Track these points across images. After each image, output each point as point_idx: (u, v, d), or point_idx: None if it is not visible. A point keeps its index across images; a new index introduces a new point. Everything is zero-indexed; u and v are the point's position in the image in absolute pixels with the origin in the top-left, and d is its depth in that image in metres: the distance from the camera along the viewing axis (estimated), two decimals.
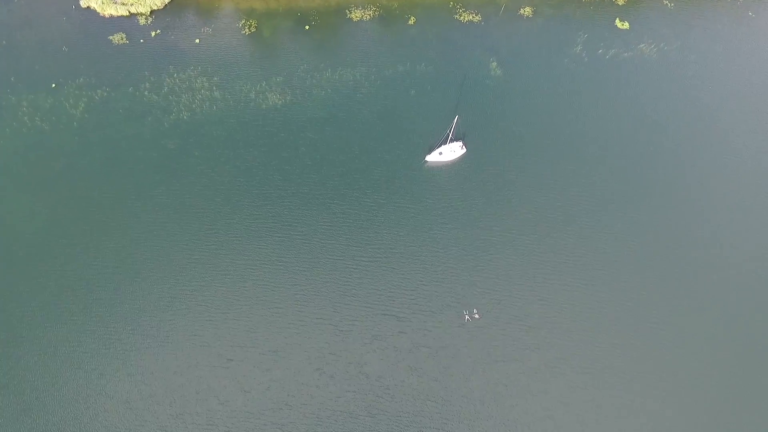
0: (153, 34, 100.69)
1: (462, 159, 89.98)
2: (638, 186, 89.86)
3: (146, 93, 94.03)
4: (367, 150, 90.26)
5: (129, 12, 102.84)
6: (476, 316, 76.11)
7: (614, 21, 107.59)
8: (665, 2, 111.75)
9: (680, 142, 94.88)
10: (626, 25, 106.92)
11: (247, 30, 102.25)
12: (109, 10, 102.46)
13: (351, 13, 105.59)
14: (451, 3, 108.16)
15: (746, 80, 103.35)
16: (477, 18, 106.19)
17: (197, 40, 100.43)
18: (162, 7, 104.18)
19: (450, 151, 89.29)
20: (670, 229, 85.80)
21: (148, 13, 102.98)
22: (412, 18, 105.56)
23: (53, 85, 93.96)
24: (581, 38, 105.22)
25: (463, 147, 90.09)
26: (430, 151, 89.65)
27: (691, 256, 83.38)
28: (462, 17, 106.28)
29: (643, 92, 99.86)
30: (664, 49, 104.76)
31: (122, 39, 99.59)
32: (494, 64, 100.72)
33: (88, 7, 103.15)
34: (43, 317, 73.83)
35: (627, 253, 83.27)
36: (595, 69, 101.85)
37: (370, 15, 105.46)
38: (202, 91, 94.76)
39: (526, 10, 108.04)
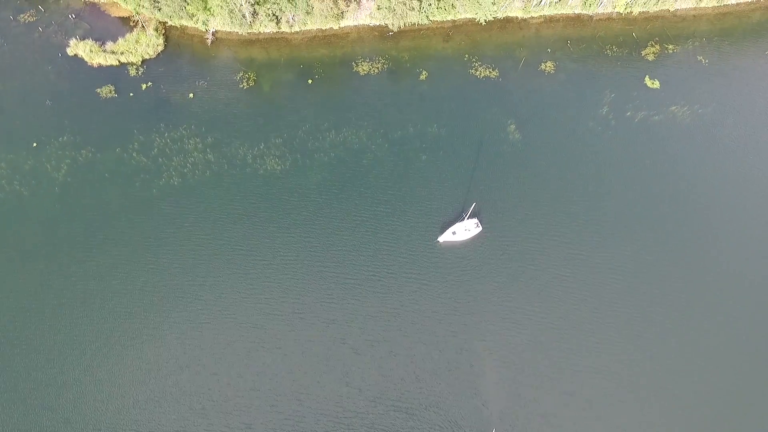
0: (143, 86, 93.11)
1: (477, 238, 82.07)
2: (664, 260, 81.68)
3: (134, 154, 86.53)
4: (374, 222, 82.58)
5: (119, 61, 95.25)
6: None
7: (643, 79, 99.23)
8: (699, 58, 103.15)
9: (718, 215, 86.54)
10: (656, 84, 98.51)
11: (245, 83, 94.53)
12: (98, 59, 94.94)
13: (358, 65, 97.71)
14: (467, 56, 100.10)
15: None
16: (494, 73, 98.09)
17: (191, 95, 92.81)
18: (154, 56, 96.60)
19: (464, 230, 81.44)
20: (704, 301, 77.61)
21: (139, 62, 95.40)
22: (424, 72, 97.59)
23: (34, 144, 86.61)
24: (607, 98, 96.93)
25: (478, 225, 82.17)
26: (442, 230, 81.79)
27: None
28: (478, 72, 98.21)
29: (675, 160, 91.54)
30: (698, 111, 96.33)
31: (110, 92, 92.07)
32: (512, 126, 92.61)
33: (76, 55, 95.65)
34: (25, 390, 66.83)
35: (660, 328, 75.17)
36: (623, 133, 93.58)
37: (378, 68, 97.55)
38: (195, 153, 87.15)
39: (548, 65, 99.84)
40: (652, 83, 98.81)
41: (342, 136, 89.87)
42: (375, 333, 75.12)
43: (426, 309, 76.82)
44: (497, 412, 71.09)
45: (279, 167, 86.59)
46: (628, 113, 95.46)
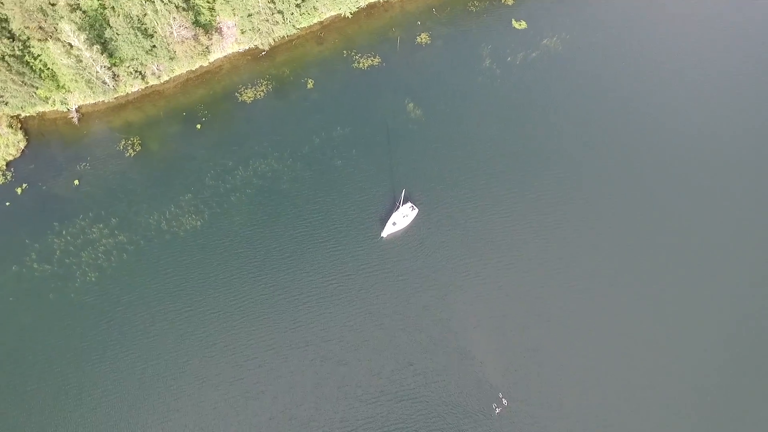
0: (19, 190, 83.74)
1: (416, 220, 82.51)
2: (595, 189, 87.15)
3: (35, 265, 77.83)
4: (316, 238, 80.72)
5: None
6: (504, 402, 70.30)
7: (510, 23, 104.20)
8: None
9: (617, 127, 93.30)
10: (523, 24, 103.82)
11: (131, 150, 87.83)
12: None
13: (242, 95, 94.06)
14: (345, 52, 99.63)
15: (660, 44, 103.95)
16: (377, 60, 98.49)
17: (76, 181, 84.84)
18: (18, 154, 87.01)
19: (402, 217, 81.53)
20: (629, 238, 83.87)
21: (4, 167, 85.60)
22: (310, 81, 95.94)
23: None
24: (485, 50, 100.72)
25: (414, 207, 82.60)
26: (382, 224, 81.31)
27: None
28: (361, 64, 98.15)
29: (562, 87, 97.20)
30: (566, 38, 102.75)
31: None
32: (411, 105, 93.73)
33: None
34: None
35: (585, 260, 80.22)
36: (511, 77, 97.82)
37: (263, 91, 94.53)
38: (103, 240, 79.95)
39: (423, 37, 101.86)
40: (519, 24, 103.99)
41: (251, 169, 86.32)
42: (353, 339, 73.93)
43: (392, 298, 76.76)
44: (496, 368, 72.69)
45: (199, 222, 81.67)
46: (508, 58, 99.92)
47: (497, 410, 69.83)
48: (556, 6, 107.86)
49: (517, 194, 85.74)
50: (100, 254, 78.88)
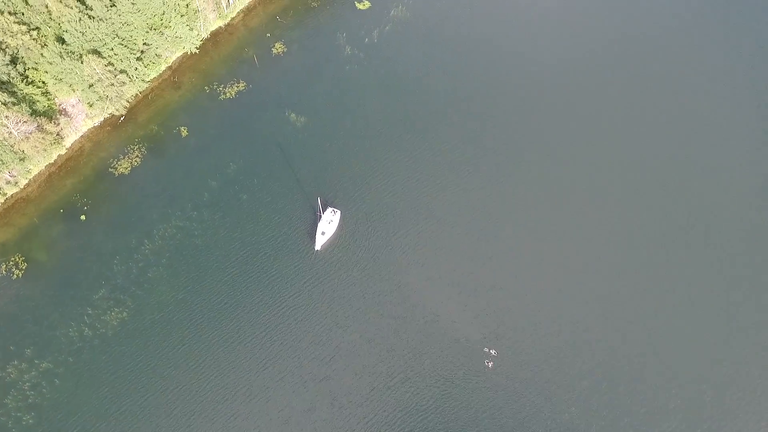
0: None
1: (343, 222, 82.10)
2: (489, 136, 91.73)
3: None
4: (253, 276, 78.25)
5: None
6: (493, 352, 72.38)
7: (355, 6, 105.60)
8: None
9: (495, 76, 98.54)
10: (367, 4, 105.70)
11: (16, 271, 78.36)
12: None
13: (116, 168, 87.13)
14: (206, 87, 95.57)
15: None
16: (242, 85, 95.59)
17: None
18: None
19: (329, 224, 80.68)
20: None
21: None
22: (183, 129, 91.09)
23: None
24: (342, 39, 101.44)
25: (335, 211, 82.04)
26: (312, 238, 79.94)
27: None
28: (227, 94, 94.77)
29: (424, 50, 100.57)
30: (411, 4, 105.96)
31: None
32: (292, 115, 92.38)
33: None
34: None
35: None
36: (376, 56, 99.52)
37: (138, 156, 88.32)
38: (25, 377, 71.05)
39: (277, 48, 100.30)
40: (363, 5, 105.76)
41: (158, 237, 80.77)
42: (326, 352, 72.91)
43: (349, 300, 76.45)
44: (468, 319, 74.64)
45: (125, 312, 75.26)
46: (366, 39, 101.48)
47: (490, 364, 71.74)
48: None
49: (419, 158, 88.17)
50: (28, 392, 70.20)
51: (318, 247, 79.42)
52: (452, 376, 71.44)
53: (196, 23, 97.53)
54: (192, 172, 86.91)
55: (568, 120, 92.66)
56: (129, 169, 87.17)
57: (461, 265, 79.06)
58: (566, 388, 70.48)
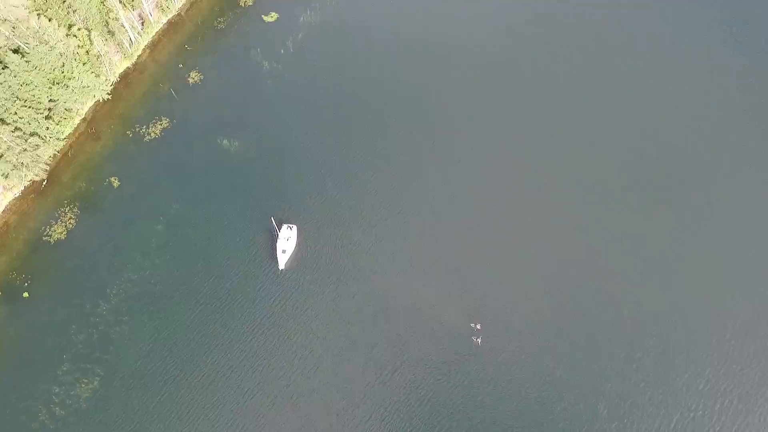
0: None
1: (301, 235, 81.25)
2: (419, 122, 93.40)
3: None
4: (217, 313, 75.60)
5: None
6: (478, 326, 73.91)
7: (262, 20, 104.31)
8: None
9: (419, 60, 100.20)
10: (274, 15, 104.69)
11: None
12: None
13: (51, 236, 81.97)
14: (128, 132, 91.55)
15: None
16: (165, 122, 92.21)
17: None
18: None
19: (287, 240, 79.69)
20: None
21: None
22: (113, 179, 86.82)
23: None
24: (257, 55, 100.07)
25: (291, 227, 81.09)
26: (275, 259, 78.68)
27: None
28: (152, 134, 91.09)
29: (343, 49, 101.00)
30: (318, 8, 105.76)
31: None
32: (225, 142, 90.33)
33: None
34: None
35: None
36: (294, 65, 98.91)
37: (71, 218, 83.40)
38: None
39: (194, 77, 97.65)
40: (271, 17, 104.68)
41: (113, 299, 76.68)
42: (309, 367, 71.90)
43: (323, 311, 75.71)
44: (445, 301, 75.69)
45: (95, 380, 71.30)
46: (281, 50, 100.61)
47: (478, 340, 73.03)
48: None
49: (359, 157, 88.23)
50: None
51: (282, 266, 78.31)
52: (441, 358, 72.39)
53: (101, 69, 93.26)
54: (133, 222, 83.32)
55: (505, 94, 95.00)
56: (65, 233, 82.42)
57: (431, 252, 79.78)
58: (552, 351, 72.48)
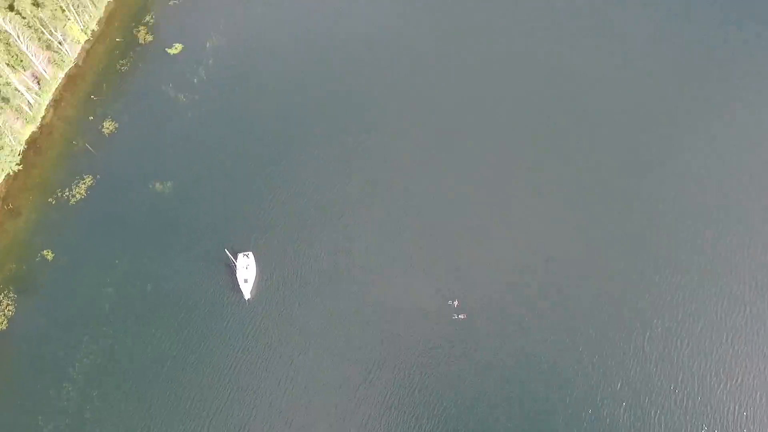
0: None
1: (260, 260, 78.71)
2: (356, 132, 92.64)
3: None
4: (190, 358, 72.03)
5: None
6: (456, 303, 73.84)
7: (167, 54, 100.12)
8: (171, 3, 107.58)
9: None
10: (179, 47, 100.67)
11: None
12: None
13: None
14: (50, 199, 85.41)
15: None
16: (88, 179, 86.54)
17: None
18: None
19: (246, 269, 77.12)
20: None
21: None
22: (46, 252, 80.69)
23: None
24: (170, 90, 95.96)
25: (247, 254, 78.53)
26: (237, 290, 75.87)
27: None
28: (77, 195, 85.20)
29: (256, 69, 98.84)
30: (223, 30, 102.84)
31: None
32: (157, 185, 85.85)
33: None
34: None
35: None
36: (210, 92, 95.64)
37: (10, 304, 76.61)
38: None
39: (108, 126, 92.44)
40: (175, 49, 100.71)
41: (78, 377, 71.13)
42: (298, 387, 69.77)
43: (300, 326, 73.69)
44: (434, 287, 75.27)
45: None
46: (194, 80, 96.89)
47: (461, 317, 73.02)
48: (187, 18, 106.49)
49: (300, 169, 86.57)
50: None
51: (247, 296, 75.68)
52: (428, 344, 71.98)
53: (3, 140, 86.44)
54: (78, 292, 77.85)
55: (441, 86, 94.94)
56: (5, 323, 75.78)
57: (399, 247, 78.82)
58: (536, 318, 72.52)
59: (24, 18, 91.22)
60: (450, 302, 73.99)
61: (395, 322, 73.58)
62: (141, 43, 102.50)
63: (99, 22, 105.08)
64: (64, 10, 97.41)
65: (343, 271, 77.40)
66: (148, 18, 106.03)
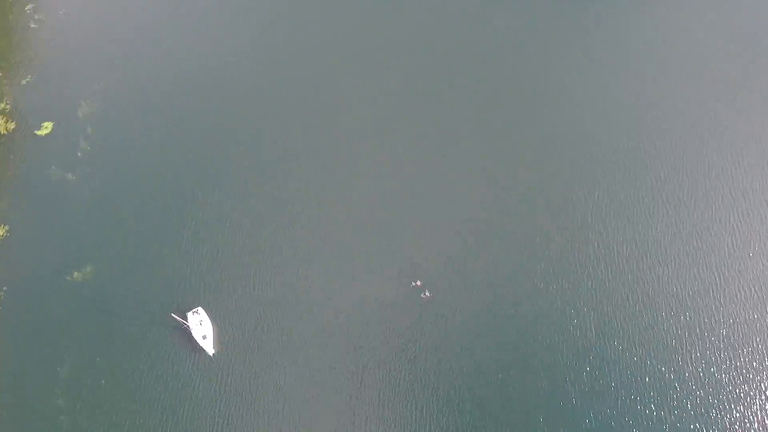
0: None
1: (211, 314, 75.55)
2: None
3: None
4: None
5: None
6: (418, 283, 75.54)
7: (36, 136, 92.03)
8: (23, 82, 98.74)
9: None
10: (48, 126, 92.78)
11: None
12: None
13: None
14: None
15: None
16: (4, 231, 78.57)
17: None
18: None
19: (200, 325, 73.90)
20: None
21: None
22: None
23: None
24: (54, 171, 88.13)
25: (196, 311, 75.18)
26: (198, 349, 72.53)
27: None
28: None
29: (159, 132, 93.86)
30: (92, 101, 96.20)
31: None
32: (75, 274, 79.33)
33: None
34: None
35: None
36: (102, 163, 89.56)
37: None
38: None
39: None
40: (45, 128, 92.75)
41: None
42: (284, 420, 68.54)
43: (274, 363, 72.15)
44: (396, 279, 76.56)
45: None
46: (79, 154, 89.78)
47: (427, 293, 74.55)
48: (47, 93, 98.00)
49: (218, 210, 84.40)
50: None
51: (211, 351, 72.62)
52: (403, 333, 73.21)
53: None
54: (26, 415, 70.59)
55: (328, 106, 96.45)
56: None
57: (348, 252, 79.41)
58: (506, 289, 75.59)
59: None
60: (413, 284, 75.91)
61: (366, 321, 74.15)
62: (3, 133, 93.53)
63: None
64: None
65: (302, 293, 76.60)
66: (2, 105, 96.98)
